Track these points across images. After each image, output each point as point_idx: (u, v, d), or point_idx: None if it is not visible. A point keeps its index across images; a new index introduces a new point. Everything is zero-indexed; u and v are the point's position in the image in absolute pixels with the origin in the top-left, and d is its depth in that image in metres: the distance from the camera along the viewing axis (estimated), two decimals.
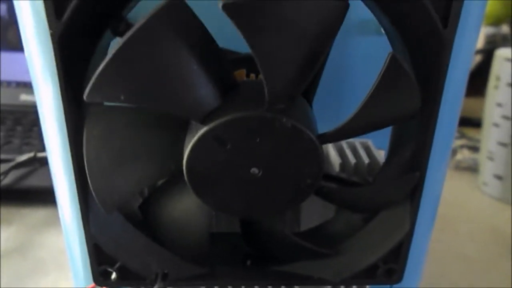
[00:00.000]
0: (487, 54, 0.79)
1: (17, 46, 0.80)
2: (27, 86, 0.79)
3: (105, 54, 0.24)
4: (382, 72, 0.19)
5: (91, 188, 0.23)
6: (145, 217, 0.26)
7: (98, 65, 0.24)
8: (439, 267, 0.51)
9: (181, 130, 0.23)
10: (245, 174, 0.22)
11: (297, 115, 0.21)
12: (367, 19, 0.31)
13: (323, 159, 0.22)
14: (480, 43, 0.91)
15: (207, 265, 0.27)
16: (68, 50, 0.21)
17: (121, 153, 0.23)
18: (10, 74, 0.81)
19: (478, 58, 0.86)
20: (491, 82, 0.61)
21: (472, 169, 0.70)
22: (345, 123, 0.21)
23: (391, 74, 0.19)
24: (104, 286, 0.27)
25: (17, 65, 0.80)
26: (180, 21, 0.19)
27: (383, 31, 0.31)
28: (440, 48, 0.21)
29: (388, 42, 0.30)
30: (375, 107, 0.21)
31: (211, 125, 0.21)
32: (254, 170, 0.22)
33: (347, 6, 0.19)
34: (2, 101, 0.79)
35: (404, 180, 0.24)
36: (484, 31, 0.90)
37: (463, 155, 0.73)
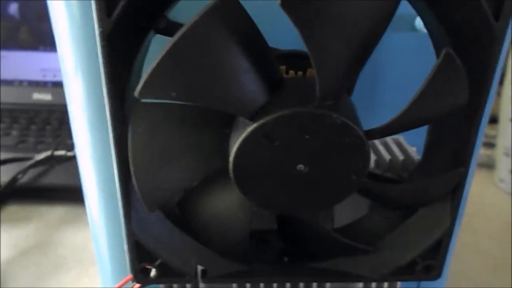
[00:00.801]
0: None
1: (29, 45, 0.80)
2: (40, 85, 0.79)
3: (147, 51, 0.24)
4: (436, 68, 0.19)
5: (135, 185, 0.23)
6: (183, 214, 0.26)
7: (140, 63, 0.24)
8: (457, 265, 0.51)
9: (226, 127, 0.23)
10: (291, 171, 0.22)
11: (345, 111, 0.21)
12: (399, 14, 0.30)
13: (369, 155, 0.22)
14: None
15: (246, 262, 0.27)
16: (115, 47, 0.21)
17: (166, 150, 0.23)
18: (22, 73, 0.81)
19: None
20: (507, 77, 0.61)
21: (488, 165, 0.70)
22: (394, 119, 0.21)
23: (444, 69, 0.19)
24: (145, 283, 0.27)
25: (29, 64, 0.80)
26: (231, 18, 0.19)
27: (417, 27, 0.31)
28: (491, 42, 0.21)
29: (421, 38, 0.30)
30: (426, 102, 0.20)
31: (261, 121, 0.21)
32: (300, 166, 0.22)
33: (398, 1, 0.19)
34: (15, 100, 0.79)
35: (448, 176, 0.24)
36: None
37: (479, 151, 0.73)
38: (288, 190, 0.23)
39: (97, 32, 0.20)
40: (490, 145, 0.73)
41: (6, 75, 0.81)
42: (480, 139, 0.30)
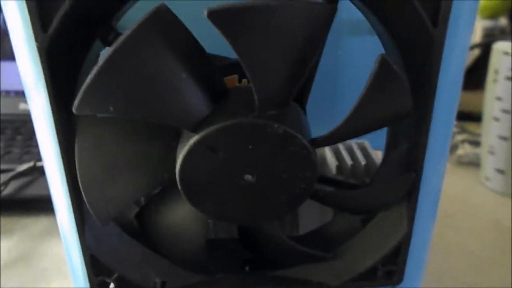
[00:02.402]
0: (485, 47, 0.79)
1: (14, 55, 0.81)
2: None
3: (95, 63, 0.24)
4: (372, 74, 0.19)
5: (85, 199, 0.23)
6: (141, 227, 0.26)
7: (87, 76, 0.24)
8: (442, 263, 0.51)
9: (174, 138, 0.23)
10: (239, 181, 0.22)
11: (288, 121, 0.21)
12: (359, 19, 0.30)
13: (316, 163, 0.22)
14: (477, 37, 0.91)
15: (206, 273, 0.27)
16: (56, 61, 0.21)
17: (114, 164, 0.23)
18: (9, 83, 0.81)
19: (476, 52, 0.86)
20: (490, 76, 0.61)
21: (474, 163, 0.70)
22: (337, 127, 0.21)
23: (381, 76, 0.19)
24: None
25: (15, 75, 0.80)
26: (166, 30, 0.19)
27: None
28: (430, 47, 0.20)
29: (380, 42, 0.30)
30: (367, 109, 0.20)
31: (202, 133, 0.21)
32: (248, 176, 0.22)
33: (334, 10, 0.19)
34: (2, 111, 0.79)
35: (400, 181, 0.24)
36: (482, 25, 0.90)
37: (465, 150, 0.72)
38: (239, 201, 0.23)
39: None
40: (477, 143, 0.72)
41: None
42: (447, 140, 0.30)
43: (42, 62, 0.20)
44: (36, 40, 0.20)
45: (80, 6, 0.19)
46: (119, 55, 0.19)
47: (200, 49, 0.20)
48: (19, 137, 0.74)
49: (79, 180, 0.23)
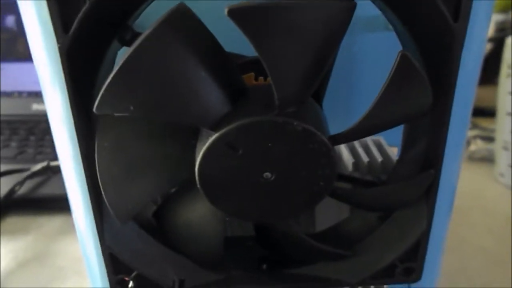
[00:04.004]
0: (498, 42, 0.78)
1: (26, 56, 0.81)
2: (39, 96, 0.80)
3: (113, 63, 0.24)
4: (392, 71, 0.19)
5: (104, 199, 0.23)
6: (159, 225, 0.26)
7: (106, 75, 0.24)
8: (456, 261, 0.50)
9: (192, 137, 0.23)
10: (258, 179, 0.22)
11: (308, 118, 0.21)
12: (374, 15, 0.30)
13: (336, 160, 0.22)
14: (490, 31, 0.90)
15: (223, 270, 0.27)
16: (76, 62, 0.21)
17: (133, 163, 0.23)
18: (21, 84, 0.81)
19: (488, 46, 0.85)
20: (503, 70, 0.60)
21: (487, 159, 0.69)
22: (357, 124, 0.21)
23: (401, 73, 0.19)
24: None
25: (28, 75, 0.81)
26: (186, 29, 0.19)
27: (391, 27, 0.31)
28: (451, 42, 0.20)
29: (397, 37, 0.29)
30: (387, 106, 0.20)
31: (222, 131, 0.21)
32: (267, 174, 0.22)
33: (354, 7, 0.19)
34: (15, 111, 0.80)
35: (419, 178, 0.24)
36: (494, 19, 0.89)
37: (477, 145, 0.72)
38: (257, 198, 0.23)
39: (56, 48, 0.21)
40: (489, 139, 0.72)
41: (5, 87, 0.82)
42: (463, 137, 0.30)
43: (62, 63, 0.21)
44: (58, 41, 0.20)
45: (100, 6, 0.20)
46: (140, 54, 0.19)
47: (220, 47, 0.20)
48: (32, 138, 0.75)
49: (99, 179, 0.23)
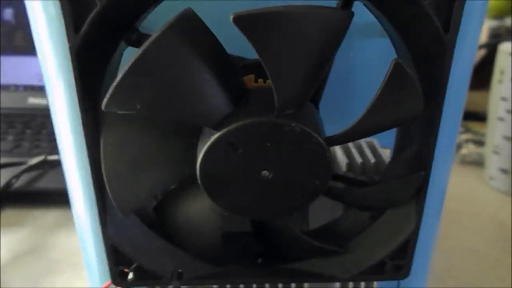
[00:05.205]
0: (491, 48, 0.79)
1: (23, 50, 0.81)
2: (35, 90, 0.80)
3: (119, 62, 0.25)
4: (386, 78, 0.20)
5: (108, 193, 0.24)
6: (159, 219, 0.27)
7: (113, 74, 0.25)
8: (446, 262, 0.51)
9: (194, 135, 0.24)
10: (256, 177, 0.23)
11: (305, 120, 0.22)
12: (371, 21, 0.31)
13: (331, 161, 0.23)
14: (483, 37, 0.91)
15: (221, 264, 0.28)
16: (85, 61, 0.22)
17: (137, 159, 0.24)
18: (18, 78, 0.82)
19: (482, 52, 0.86)
20: (495, 76, 0.62)
21: (478, 163, 0.71)
22: (351, 127, 0.22)
23: (395, 80, 0.20)
24: (122, 286, 0.28)
25: (25, 69, 0.81)
26: (192, 32, 0.20)
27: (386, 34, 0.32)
28: (442, 52, 0.21)
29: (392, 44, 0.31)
30: (380, 111, 0.21)
31: (224, 130, 0.22)
32: (265, 172, 0.23)
33: (351, 15, 0.20)
34: (11, 105, 0.80)
35: (410, 179, 0.25)
36: (488, 24, 0.90)
37: (468, 149, 0.73)
38: (255, 195, 0.24)
39: (66, 47, 0.21)
40: (481, 143, 0.73)
41: (2, 80, 0.82)
42: (453, 140, 0.31)
43: (72, 62, 0.21)
44: (69, 41, 0.21)
45: (111, 7, 0.20)
46: (148, 56, 0.20)
47: (223, 51, 0.21)
48: (28, 131, 0.75)
49: (103, 174, 0.24)
